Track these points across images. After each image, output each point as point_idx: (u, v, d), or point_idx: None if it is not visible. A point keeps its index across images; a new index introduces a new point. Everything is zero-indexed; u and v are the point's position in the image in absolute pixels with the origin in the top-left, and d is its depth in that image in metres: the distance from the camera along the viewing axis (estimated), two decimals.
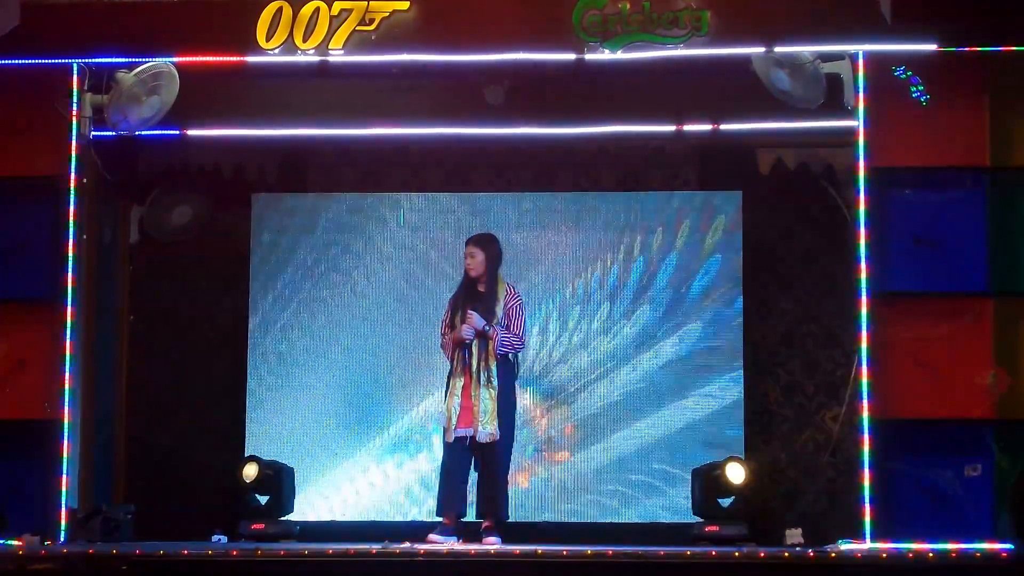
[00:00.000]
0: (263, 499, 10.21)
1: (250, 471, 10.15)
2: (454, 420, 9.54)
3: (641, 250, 11.01)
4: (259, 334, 11.07)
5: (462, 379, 9.56)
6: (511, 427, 9.68)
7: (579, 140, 10.52)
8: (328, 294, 11.14)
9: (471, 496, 9.81)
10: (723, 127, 10.35)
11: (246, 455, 10.64)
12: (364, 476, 11.03)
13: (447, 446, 9.60)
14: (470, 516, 9.80)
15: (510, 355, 9.70)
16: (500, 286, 9.72)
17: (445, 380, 9.66)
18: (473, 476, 9.76)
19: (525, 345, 9.72)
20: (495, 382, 9.51)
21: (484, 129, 10.41)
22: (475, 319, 9.43)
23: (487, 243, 9.79)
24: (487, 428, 9.44)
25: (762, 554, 8.96)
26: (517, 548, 9.09)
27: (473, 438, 9.49)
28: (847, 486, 9.82)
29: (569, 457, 10.93)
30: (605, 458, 10.88)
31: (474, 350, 9.53)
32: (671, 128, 10.40)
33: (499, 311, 9.65)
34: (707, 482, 10.08)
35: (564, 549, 8.88)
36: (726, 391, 10.85)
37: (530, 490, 10.91)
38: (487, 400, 9.46)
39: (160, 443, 11.01)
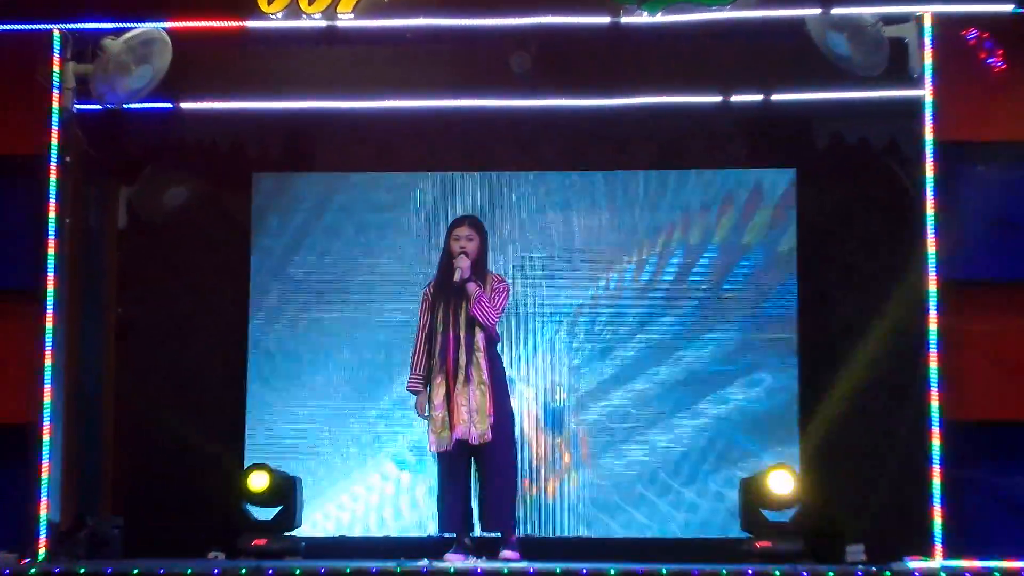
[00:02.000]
0: (272, 512, 10.01)
1: (259, 481, 9.91)
2: (439, 425, 9.30)
3: (683, 234, 10.82)
4: (262, 329, 10.88)
5: (446, 378, 9.30)
6: (509, 427, 9.45)
7: (614, 113, 10.30)
8: (338, 285, 10.94)
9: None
10: (774, 97, 10.17)
11: (247, 462, 10.49)
12: (376, 487, 10.85)
13: (440, 457, 9.35)
14: (476, 531, 9.63)
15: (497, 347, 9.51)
16: (488, 275, 9.52)
17: (420, 378, 9.37)
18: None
19: (498, 324, 9.40)
20: (486, 376, 9.26)
21: (509, 101, 10.22)
22: (466, 264, 9.20)
23: (482, 227, 9.57)
24: (479, 428, 9.18)
25: (820, 574, 8.79)
26: (556, 567, 8.82)
27: (466, 442, 9.25)
28: (915, 497, 9.53)
29: (601, 465, 10.76)
30: (642, 465, 10.71)
31: (462, 342, 9.26)
32: (716, 99, 10.23)
33: (488, 292, 9.47)
34: (755, 493, 9.88)
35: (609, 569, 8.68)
36: (779, 391, 10.63)
37: (557, 502, 10.75)
38: (479, 397, 9.22)
39: (152, 449, 10.80)
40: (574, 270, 10.85)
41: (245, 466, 10.31)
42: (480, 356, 9.28)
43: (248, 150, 10.86)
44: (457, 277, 9.24)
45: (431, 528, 10.08)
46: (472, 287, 9.28)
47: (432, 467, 10.05)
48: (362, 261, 10.93)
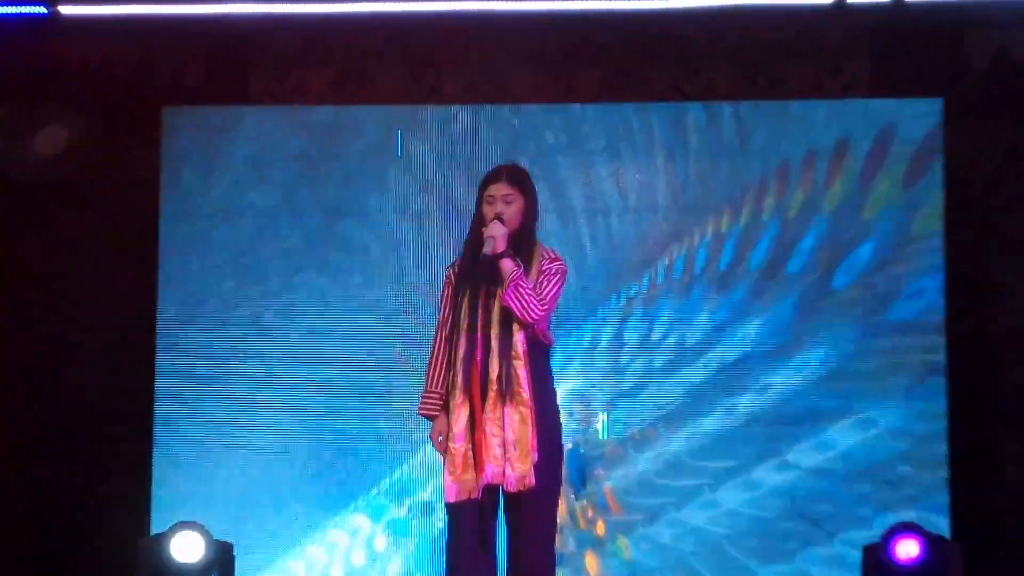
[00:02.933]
0: None
1: (189, 548, 8.36)
2: (460, 464, 7.61)
3: (778, 199, 9.19)
4: (175, 332, 9.42)
5: (470, 396, 7.61)
6: (555, 471, 7.69)
7: (680, 19, 9.22)
8: (288, 267, 9.41)
9: None
10: None
11: (154, 521, 9.14)
12: (338, 554, 9.35)
13: (452, 509, 7.63)
14: None
15: (548, 349, 7.75)
16: (536, 251, 7.75)
17: (439, 397, 7.72)
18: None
19: (546, 320, 7.77)
20: (527, 395, 7.50)
21: (526, 2, 9.21)
22: (500, 233, 7.56)
23: (526, 183, 7.81)
24: (518, 469, 7.47)
25: None
26: None
27: (495, 488, 7.55)
28: None
29: (651, 536, 9.19)
30: (720, 524, 9.15)
31: (494, 345, 7.53)
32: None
33: (533, 274, 7.83)
34: (884, 568, 8.44)
35: None
36: (918, 418, 9.05)
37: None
38: (518, 424, 7.51)
39: (19, 504, 9.56)
40: (620, 249, 9.24)
41: (152, 526, 8.98)
42: (519, 365, 7.52)
43: (157, 74, 9.69)
44: (488, 250, 7.53)
45: None
46: (507, 265, 7.52)
47: (425, 528, 8.93)
48: (322, 233, 9.42)
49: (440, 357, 7.67)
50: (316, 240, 9.39)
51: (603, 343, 9.28)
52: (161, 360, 9.36)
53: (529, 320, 7.45)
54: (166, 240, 9.48)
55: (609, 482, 9.24)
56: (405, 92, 9.50)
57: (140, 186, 9.59)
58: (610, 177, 9.27)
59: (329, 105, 9.49)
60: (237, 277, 9.42)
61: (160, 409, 9.37)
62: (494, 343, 7.52)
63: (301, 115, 9.48)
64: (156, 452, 9.38)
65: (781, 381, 9.20)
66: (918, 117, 9.19)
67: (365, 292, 9.36)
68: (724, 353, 9.22)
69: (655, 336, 9.25)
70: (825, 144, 9.12)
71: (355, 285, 9.33)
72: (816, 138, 9.14)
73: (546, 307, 7.52)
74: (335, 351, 9.36)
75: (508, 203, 7.52)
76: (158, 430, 9.42)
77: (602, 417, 9.29)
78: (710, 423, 9.21)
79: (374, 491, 9.31)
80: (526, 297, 7.43)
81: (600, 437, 9.22)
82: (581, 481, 9.26)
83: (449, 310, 7.63)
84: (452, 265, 7.75)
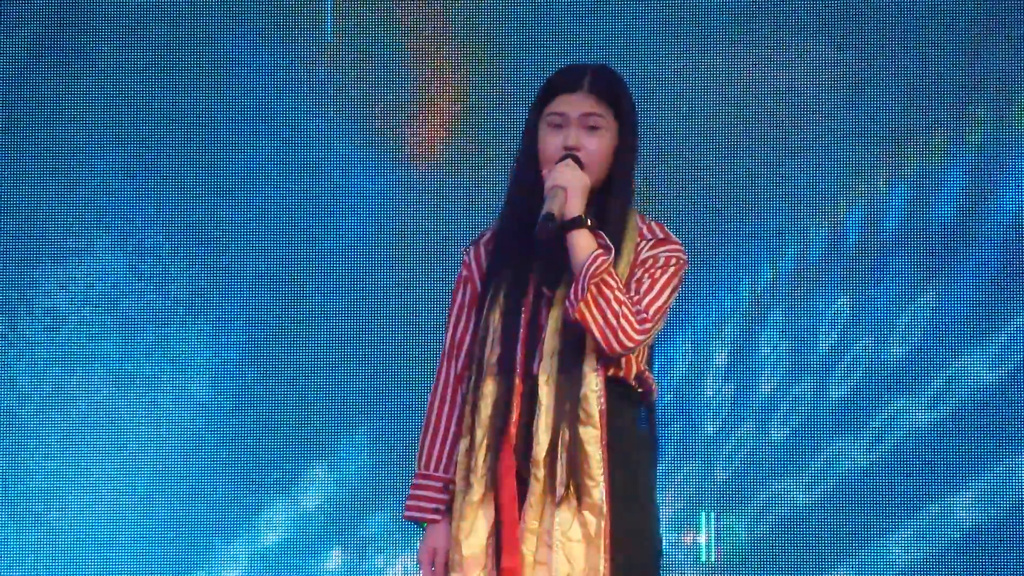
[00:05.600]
0: None
1: None
2: None
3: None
4: None
5: (495, 487, 5.09)
6: None
7: None
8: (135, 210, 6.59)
9: None
10: None
11: None
12: None
13: None
14: None
15: (644, 400, 5.07)
16: (630, 224, 5.11)
17: (440, 488, 5.18)
18: None
19: (644, 345, 5.12)
20: (602, 487, 4.99)
21: None
22: (575, 181, 5.06)
23: (623, 97, 5.11)
24: None
25: None
26: None
27: None
28: None
29: None
30: None
31: (545, 393, 4.97)
32: None
33: (622, 268, 5.16)
34: None
35: None
36: None
37: None
38: (580, 543, 5.02)
39: None
40: (724, 207, 6.54)
41: None
42: (592, 437, 5.19)
43: None
44: (555, 208, 5.06)
45: None
46: (586, 243, 5.21)
47: None
48: (206, 156, 6.39)
49: (445, 416, 5.23)
50: (196, 158, 6.24)
51: (714, 373, 6.35)
52: None
53: (618, 347, 4.92)
54: None
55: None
56: None
57: None
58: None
59: None
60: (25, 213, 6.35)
61: None
62: (546, 391, 4.96)
63: None
64: None
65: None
66: None
67: (290, 262, 6.25)
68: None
69: (813, 365, 6.13)
70: None
71: (269, 247, 6.27)
72: None
73: (649, 325, 4.94)
74: (249, 358, 6.32)
75: (592, 130, 4.95)
76: None
77: (703, 520, 6.23)
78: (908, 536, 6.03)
79: None
80: (615, 305, 4.98)
81: (701, 558, 6.05)
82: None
83: (465, 328, 5.20)
84: (475, 244, 5.24)
